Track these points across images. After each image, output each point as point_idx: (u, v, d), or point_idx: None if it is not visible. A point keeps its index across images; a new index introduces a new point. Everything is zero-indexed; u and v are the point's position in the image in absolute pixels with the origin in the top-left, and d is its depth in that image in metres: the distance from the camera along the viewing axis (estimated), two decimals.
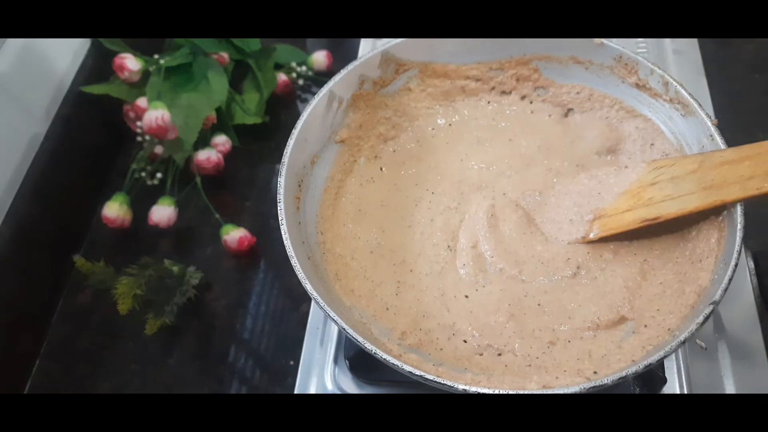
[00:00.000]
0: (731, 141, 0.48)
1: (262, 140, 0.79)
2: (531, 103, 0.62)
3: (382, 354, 0.41)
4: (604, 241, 0.53)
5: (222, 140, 0.76)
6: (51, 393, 0.63)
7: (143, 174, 0.73)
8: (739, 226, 0.44)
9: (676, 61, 0.76)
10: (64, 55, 0.75)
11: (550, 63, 0.59)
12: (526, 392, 0.39)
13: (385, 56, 0.58)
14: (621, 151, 0.58)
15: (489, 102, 0.62)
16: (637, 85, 0.55)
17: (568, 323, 0.49)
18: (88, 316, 0.68)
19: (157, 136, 0.70)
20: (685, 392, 0.53)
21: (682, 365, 0.54)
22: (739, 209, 0.45)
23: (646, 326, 0.47)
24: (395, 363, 0.40)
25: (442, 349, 0.49)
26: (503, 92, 0.62)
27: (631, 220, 0.51)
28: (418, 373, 0.40)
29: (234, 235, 0.69)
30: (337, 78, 0.55)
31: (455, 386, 0.39)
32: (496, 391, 0.39)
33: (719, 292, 0.42)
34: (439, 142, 0.62)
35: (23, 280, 0.65)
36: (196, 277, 0.66)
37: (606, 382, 0.39)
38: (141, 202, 0.72)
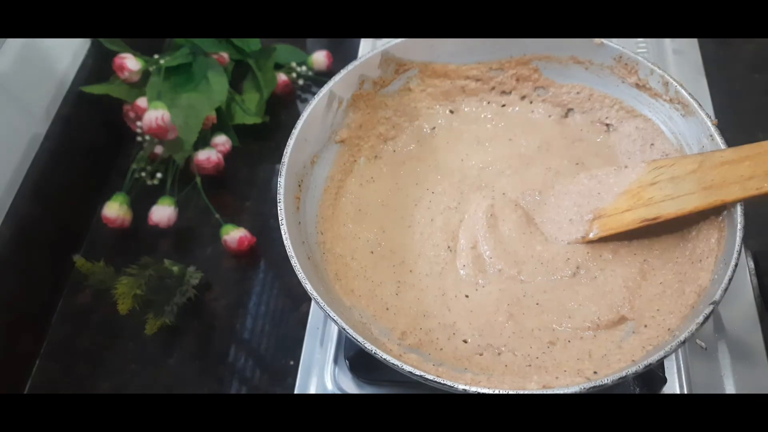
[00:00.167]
0: (731, 141, 0.48)
1: (262, 140, 0.79)
2: (531, 103, 0.62)
3: (382, 354, 0.41)
4: (604, 241, 0.53)
5: (222, 140, 0.76)
6: (51, 393, 0.63)
7: (143, 174, 0.73)
8: (739, 226, 0.44)
9: (676, 61, 0.76)
10: (64, 55, 0.75)
11: (550, 63, 0.59)
12: (526, 392, 0.39)
13: (385, 56, 0.58)
14: (620, 152, 0.58)
15: (489, 102, 0.62)
16: (637, 85, 0.55)
17: (568, 323, 0.49)
18: (88, 316, 0.68)
19: (157, 136, 0.70)
20: (685, 392, 0.53)
21: (682, 365, 0.54)
22: (739, 209, 0.45)
23: (646, 326, 0.47)
24: (395, 363, 0.40)
25: (442, 349, 0.49)
26: (503, 92, 0.62)
27: (630, 220, 0.51)
28: (418, 373, 0.40)
29: (234, 235, 0.69)
30: (337, 78, 0.55)
31: (455, 386, 0.39)
32: (496, 391, 0.39)
33: (719, 292, 0.42)
34: (439, 142, 0.62)
35: (23, 280, 0.65)
36: (196, 277, 0.66)
37: (606, 382, 0.39)
38: (141, 202, 0.72)
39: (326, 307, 0.42)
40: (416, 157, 0.61)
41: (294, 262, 0.45)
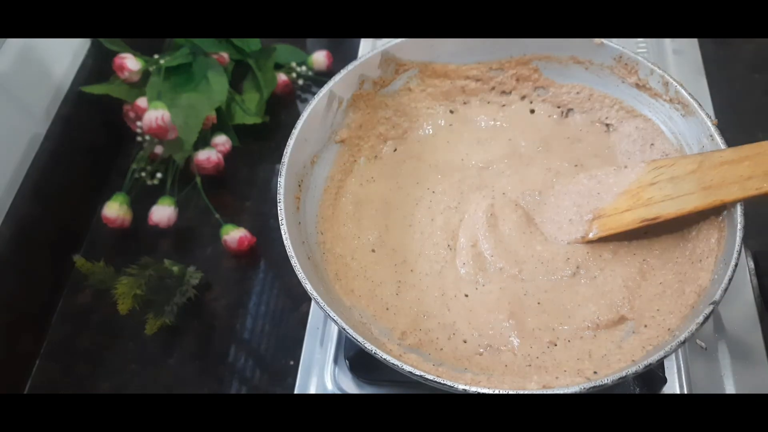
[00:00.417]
0: (731, 141, 0.48)
1: (262, 140, 0.79)
2: (531, 103, 0.62)
3: (382, 354, 0.41)
4: (604, 241, 0.53)
5: (222, 140, 0.76)
6: (51, 393, 0.63)
7: (143, 174, 0.73)
8: (739, 226, 0.44)
9: (676, 61, 0.76)
10: (64, 55, 0.75)
11: (550, 63, 0.59)
12: (526, 392, 0.39)
13: (385, 56, 0.58)
14: (620, 152, 0.58)
15: (489, 102, 0.62)
16: (637, 85, 0.55)
17: (568, 323, 0.49)
18: (88, 316, 0.68)
19: (157, 136, 0.70)
20: (685, 392, 0.53)
21: (682, 365, 0.54)
22: (739, 209, 0.45)
23: (646, 326, 0.47)
24: (395, 363, 0.40)
25: (442, 349, 0.49)
26: (503, 92, 0.62)
27: (630, 220, 0.51)
28: (418, 373, 0.40)
29: (234, 235, 0.69)
30: (337, 78, 0.55)
31: (455, 386, 0.39)
32: (496, 391, 0.39)
33: (719, 292, 0.42)
34: (439, 141, 0.62)
35: (23, 280, 0.65)
36: (196, 277, 0.66)
37: (606, 382, 0.39)
38: (141, 202, 0.72)
39: (326, 307, 0.42)
40: (416, 156, 0.61)
41: (294, 262, 0.45)
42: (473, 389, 0.39)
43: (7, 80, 0.67)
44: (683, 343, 0.40)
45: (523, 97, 0.62)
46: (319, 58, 0.84)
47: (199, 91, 0.74)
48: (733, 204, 0.46)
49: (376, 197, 0.58)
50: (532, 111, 0.62)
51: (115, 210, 0.70)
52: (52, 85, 0.73)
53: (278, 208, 0.48)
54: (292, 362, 0.62)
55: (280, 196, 0.48)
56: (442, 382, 0.40)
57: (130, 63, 0.73)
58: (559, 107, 0.61)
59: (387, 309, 0.51)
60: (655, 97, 0.54)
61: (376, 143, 0.61)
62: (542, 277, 0.52)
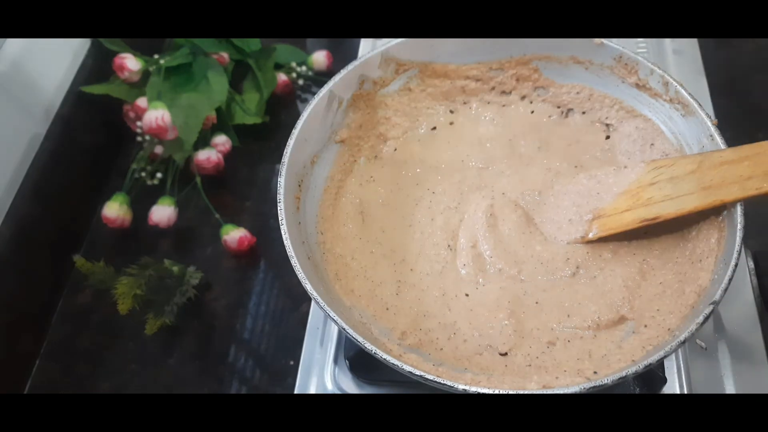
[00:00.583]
0: (731, 141, 0.48)
1: (262, 140, 0.79)
2: (531, 103, 0.62)
3: (382, 354, 0.41)
4: (604, 241, 0.53)
5: (222, 140, 0.76)
6: (51, 393, 0.63)
7: (143, 174, 0.73)
8: (739, 226, 0.44)
9: (676, 61, 0.76)
10: (64, 55, 0.75)
11: (550, 63, 0.59)
12: (526, 392, 0.39)
13: (385, 56, 0.58)
14: (620, 152, 0.58)
15: (489, 102, 0.62)
16: (637, 85, 0.55)
17: (568, 322, 0.49)
18: (88, 316, 0.68)
19: (157, 136, 0.70)
20: (685, 392, 0.53)
21: (682, 365, 0.54)
22: (739, 209, 0.45)
23: (646, 326, 0.47)
24: (395, 363, 0.40)
25: (442, 349, 0.49)
26: (503, 92, 0.62)
27: (630, 220, 0.51)
28: (418, 373, 0.40)
29: (234, 235, 0.69)
30: (337, 78, 0.55)
31: (455, 386, 0.39)
32: (496, 391, 0.39)
33: (719, 292, 0.42)
34: (439, 142, 0.62)
35: (23, 280, 0.65)
36: (196, 277, 0.66)
37: (606, 382, 0.39)
38: (141, 202, 0.72)
39: (326, 307, 0.42)
40: (416, 157, 0.61)
41: (294, 262, 0.45)
42: (473, 389, 0.39)
43: (7, 80, 0.67)
44: (683, 343, 0.40)
45: (523, 97, 0.62)
46: (319, 58, 0.84)
47: (199, 91, 0.74)
48: (733, 204, 0.46)
49: (376, 197, 0.58)
50: (532, 111, 0.62)
51: (115, 210, 0.70)
52: (52, 85, 0.73)
53: (278, 208, 0.48)
54: (292, 362, 0.62)
55: (280, 196, 0.48)
56: (442, 382, 0.40)
57: (130, 63, 0.73)
58: (559, 107, 0.61)
59: (387, 309, 0.51)
60: (655, 97, 0.54)
61: (376, 143, 0.61)
62: (542, 277, 0.52)
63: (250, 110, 0.78)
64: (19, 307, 0.64)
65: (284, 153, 0.51)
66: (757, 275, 0.60)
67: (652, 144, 0.56)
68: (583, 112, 0.60)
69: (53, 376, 0.65)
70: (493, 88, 0.62)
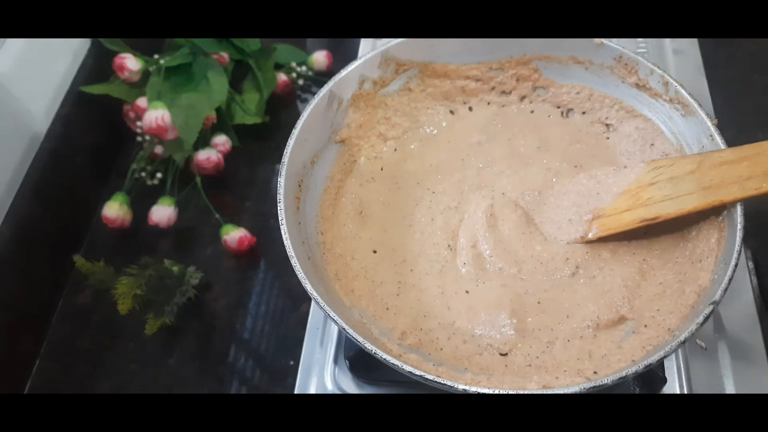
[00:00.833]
0: (731, 141, 0.48)
1: (262, 140, 0.79)
2: (531, 103, 0.62)
3: (382, 354, 0.41)
4: (603, 240, 0.53)
5: (222, 140, 0.76)
6: (51, 393, 0.63)
7: (143, 174, 0.73)
8: (739, 226, 0.44)
9: (676, 61, 0.76)
10: (64, 55, 0.75)
11: (550, 63, 0.59)
12: (526, 392, 0.39)
13: (385, 56, 0.58)
14: (619, 152, 0.58)
15: (489, 102, 0.62)
16: (637, 85, 0.55)
17: (568, 322, 0.49)
18: (88, 316, 0.68)
19: (157, 136, 0.70)
20: (685, 392, 0.53)
21: (682, 365, 0.54)
22: (739, 209, 0.45)
23: (646, 326, 0.47)
24: (395, 363, 0.40)
25: (442, 349, 0.49)
26: (503, 92, 0.62)
27: (629, 220, 0.51)
28: (418, 373, 0.40)
29: (234, 235, 0.69)
30: (337, 78, 0.55)
31: (455, 386, 0.39)
32: (496, 391, 0.39)
33: (719, 292, 0.42)
34: (439, 141, 0.62)
35: (23, 280, 0.65)
36: (196, 277, 0.66)
37: (606, 382, 0.39)
38: (141, 202, 0.72)
39: (326, 307, 0.42)
40: (416, 156, 0.61)
41: (294, 262, 0.45)
42: (473, 389, 0.39)
43: (7, 80, 0.67)
44: (683, 343, 0.40)
45: (522, 98, 0.62)
46: (319, 58, 0.84)
47: (199, 91, 0.74)
48: (732, 204, 0.46)
49: (377, 197, 0.58)
50: (532, 111, 0.62)
51: (115, 210, 0.70)
52: (52, 85, 0.73)
53: (278, 208, 0.48)
54: (292, 362, 0.62)
55: (280, 196, 0.48)
56: (442, 382, 0.40)
57: (130, 63, 0.73)
58: (559, 107, 0.61)
59: (387, 309, 0.51)
60: (655, 97, 0.54)
61: (376, 143, 0.61)
62: (542, 277, 0.52)
63: (250, 110, 0.78)
64: (19, 307, 0.64)
65: (284, 153, 0.51)
66: (757, 275, 0.60)
67: (652, 144, 0.56)
68: (583, 112, 0.60)
69: (53, 376, 0.65)
70: (493, 88, 0.62)
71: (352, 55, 0.69)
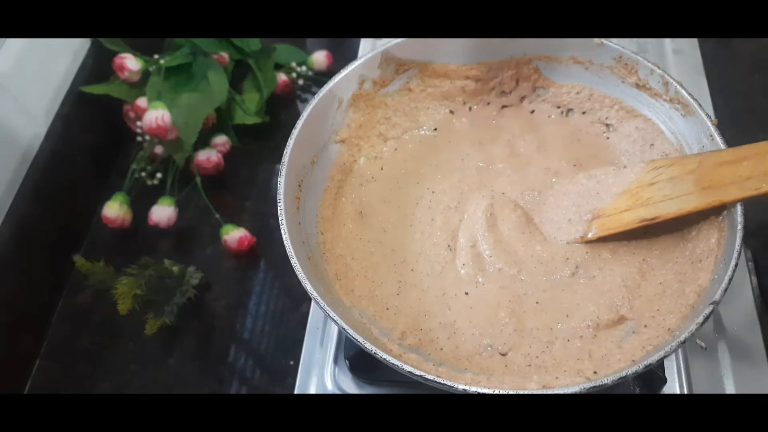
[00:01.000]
0: (731, 141, 0.48)
1: (262, 140, 0.79)
2: (531, 103, 0.62)
3: (382, 354, 0.41)
4: (603, 240, 0.53)
5: (222, 140, 0.76)
6: (51, 393, 0.63)
7: (143, 174, 0.73)
8: (739, 226, 0.44)
9: (676, 61, 0.76)
10: (64, 55, 0.75)
11: (550, 63, 0.59)
12: (526, 392, 0.39)
13: (385, 56, 0.58)
14: (619, 152, 0.58)
15: (489, 102, 0.62)
16: (637, 85, 0.55)
17: (567, 322, 0.49)
18: (88, 316, 0.68)
19: (157, 136, 0.70)
20: (685, 392, 0.53)
21: (682, 365, 0.54)
22: (738, 209, 0.45)
23: (646, 326, 0.47)
24: (395, 363, 0.40)
25: (442, 348, 0.49)
26: (503, 92, 0.62)
27: (629, 220, 0.51)
28: (418, 373, 0.40)
29: (234, 235, 0.69)
30: (337, 78, 0.55)
31: (455, 386, 0.39)
32: (496, 391, 0.39)
33: (719, 292, 0.42)
34: (439, 141, 0.62)
35: (23, 280, 0.65)
36: (196, 277, 0.66)
37: (606, 382, 0.39)
38: (141, 202, 0.72)
39: (326, 307, 0.42)
40: (416, 156, 0.61)
41: (294, 262, 0.45)
42: (473, 389, 0.39)
43: (7, 80, 0.67)
44: (683, 343, 0.40)
45: (522, 98, 0.62)
46: (319, 58, 0.84)
47: (199, 91, 0.74)
48: (732, 204, 0.46)
49: (377, 197, 0.58)
50: (532, 111, 0.62)
51: (115, 210, 0.70)
52: (52, 85, 0.73)
53: (278, 208, 0.48)
54: (292, 362, 0.62)
55: (280, 196, 0.48)
56: (442, 382, 0.40)
57: (130, 63, 0.73)
58: (559, 107, 0.61)
59: (387, 309, 0.51)
60: (655, 97, 0.54)
61: (376, 143, 0.61)
62: (541, 277, 0.52)
63: (250, 110, 0.78)
64: (19, 307, 0.64)
65: (284, 153, 0.51)
66: (757, 275, 0.60)
67: (652, 144, 0.56)
68: (583, 112, 0.60)
69: (53, 376, 0.65)
70: (493, 89, 0.62)
71: (352, 55, 0.69)
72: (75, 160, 0.73)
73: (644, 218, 0.50)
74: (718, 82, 0.74)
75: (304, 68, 0.84)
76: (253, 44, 0.81)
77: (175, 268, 0.66)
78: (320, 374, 0.58)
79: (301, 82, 0.84)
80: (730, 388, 0.55)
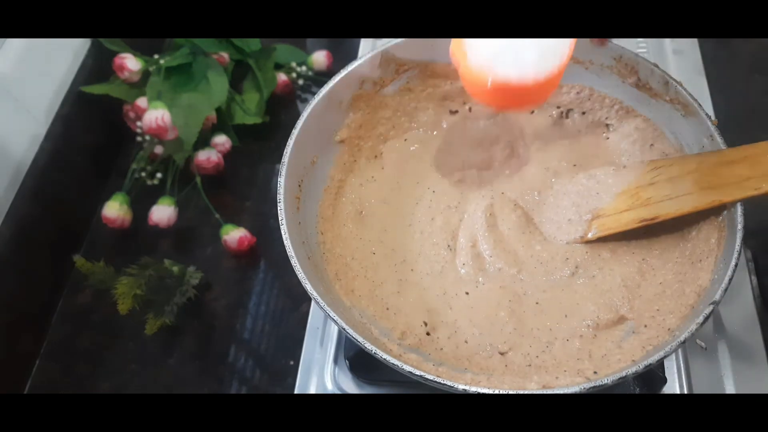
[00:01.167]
0: (731, 141, 0.48)
1: (262, 140, 0.79)
2: None
3: (382, 354, 0.41)
4: (603, 240, 0.53)
5: (222, 140, 0.76)
6: (51, 393, 0.63)
7: (143, 174, 0.73)
8: (739, 226, 0.44)
9: (676, 61, 0.76)
10: (64, 55, 0.75)
11: None
12: (526, 392, 0.39)
13: (385, 56, 0.58)
14: (619, 152, 0.58)
15: None
16: (637, 85, 0.55)
17: (567, 322, 0.49)
18: (88, 316, 0.68)
19: (157, 136, 0.70)
20: (685, 392, 0.53)
21: (682, 365, 0.54)
22: (738, 209, 0.45)
23: (646, 326, 0.47)
24: (395, 363, 0.40)
25: (442, 348, 0.49)
26: None
27: (629, 220, 0.51)
28: (418, 373, 0.40)
29: (234, 235, 0.69)
30: (337, 78, 0.55)
31: (455, 386, 0.39)
32: (496, 391, 0.39)
33: (719, 292, 0.42)
34: (439, 142, 0.62)
35: (23, 280, 0.65)
36: (196, 277, 0.66)
37: (606, 382, 0.39)
38: (141, 202, 0.72)
39: (326, 307, 0.43)
40: (417, 156, 0.61)
41: (294, 262, 0.45)
42: (473, 389, 0.39)
43: (7, 80, 0.67)
44: (683, 343, 0.40)
45: None
46: (319, 58, 0.84)
47: (199, 91, 0.74)
48: (732, 204, 0.46)
49: (377, 197, 0.58)
50: (532, 111, 0.62)
51: (115, 210, 0.70)
52: (52, 85, 0.73)
53: (278, 208, 0.48)
54: (292, 362, 0.62)
55: (280, 196, 0.48)
56: (442, 382, 0.40)
57: (130, 63, 0.73)
58: (558, 107, 0.61)
59: (387, 309, 0.51)
60: (655, 97, 0.54)
61: (376, 143, 0.61)
62: (541, 277, 0.52)
63: (250, 110, 0.78)
64: (19, 307, 0.64)
65: (284, 153, 0.51)
66: (757, 275, 0.60)
67: (651, 144, 0.56)
68: (583, 112, 0.60)
69: (53, 376, 0.65)
70: None
71: (352, 55, 0.69)
72: (75, 160, 0.73)
73: (644, 218, 0.50)
74: (718, 82, 0.74)
75: (304, 68, 0.84)
76: (253, 44, 0.81)
77: (175, 268, 0.66)
78: (320, 374, 0.58)
79: (301, 82, 0.84)
80: (730, 388, 0.55)
